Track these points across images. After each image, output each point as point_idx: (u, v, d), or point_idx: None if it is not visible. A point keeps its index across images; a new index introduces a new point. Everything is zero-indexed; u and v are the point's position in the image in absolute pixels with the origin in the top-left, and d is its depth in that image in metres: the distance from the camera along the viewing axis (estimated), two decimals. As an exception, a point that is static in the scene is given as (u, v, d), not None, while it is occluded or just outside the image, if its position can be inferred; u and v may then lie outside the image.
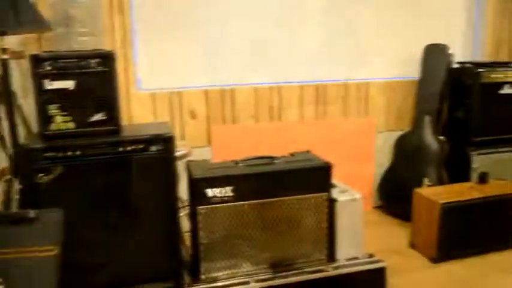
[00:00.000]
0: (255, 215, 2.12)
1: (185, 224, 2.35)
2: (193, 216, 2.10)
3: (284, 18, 3.10)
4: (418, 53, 3.39)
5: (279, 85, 3.14)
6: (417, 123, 3.31)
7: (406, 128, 3.41)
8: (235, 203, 2.08)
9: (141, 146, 2.02)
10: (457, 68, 3.30)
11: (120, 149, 2.00)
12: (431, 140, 3.22)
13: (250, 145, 3.06)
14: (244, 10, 3.01)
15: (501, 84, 3.18)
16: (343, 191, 2.32)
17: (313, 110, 3.25)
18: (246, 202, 2.09)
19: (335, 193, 2.28)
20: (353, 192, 2.33)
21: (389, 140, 3.45)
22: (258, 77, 3.13)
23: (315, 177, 2.16)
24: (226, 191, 2.06)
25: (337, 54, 3.28)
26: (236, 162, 2.19)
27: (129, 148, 2.01)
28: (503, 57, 3.69)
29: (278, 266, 2.20)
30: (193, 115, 3.00)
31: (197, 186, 2.04)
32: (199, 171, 2.09)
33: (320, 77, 3.25)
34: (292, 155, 2.33)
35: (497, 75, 3.16)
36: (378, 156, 3.47)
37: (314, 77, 3.24)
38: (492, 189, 2.86)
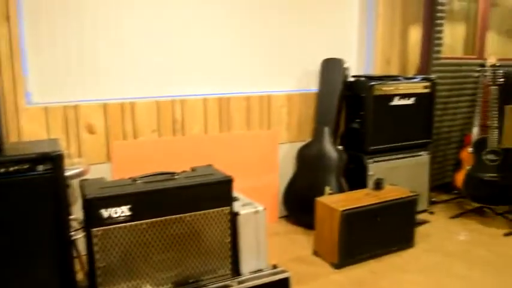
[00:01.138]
0: (155, 233, 2.04)
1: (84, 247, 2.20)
2: (88, 238, 1.96)
3: (186, 29, 3.06)
4: (316, 66, 3.53)
5: (181, 98, 3.08)
6: (317, 133, 3.43)
7: (307, 138, 3.52)
8: (133, 223, 1.99)
9: (26, 166, 1.85)
10: (352, 81, 3.48)
11: (2, 170, 1.82)
12: (330, 149, 3.35)
13: (153, 161, 2.97)
14: (144, 20, 2.92)
15: (392, 96, 3.41)
16: (245, 204, 2.32)
17: (216, 123, 3.24)
18: (145, 221, 2.01)
19: (237, 206, 2.27)
20: (256, 205, 2.34)
21: (291, 150, 3.54)
22: (160, 89, 3.05)
23: (216, 191, 2.14)
24: (123, 211, 1.96)
25: (239, 67, 3.31)
26: (134, 180, 2.10)
27: (12, 169, 1.83)
28: (394, 71, 3.96)
29: (182, 285, 2.14)
30: (90, 130, 2.84)
31: (91, 206, 1.92)
32: (93, 191, 1.97)
33: (223, 90, 3.25)
34: (193, 169, 2.29)
35: (389, 88, 3.38)
36: (282, 167, 3.54)
37: (217, 89, 3.23)
38: (387, 194, 3.03)
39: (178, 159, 3.01)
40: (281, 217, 3.59)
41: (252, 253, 2.30)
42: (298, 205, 3.42)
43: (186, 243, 2.12)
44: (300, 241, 3.20)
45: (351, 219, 2.78)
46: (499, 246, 3.17)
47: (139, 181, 2.08)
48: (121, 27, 2.86)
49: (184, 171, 2.25)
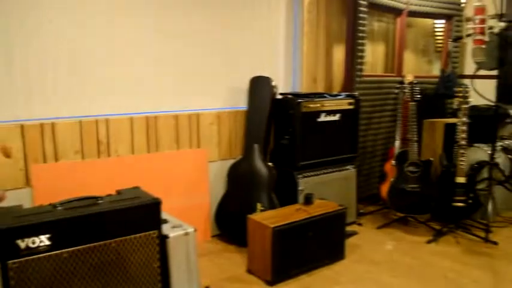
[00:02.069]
0: (78, 263, 1.92)
1: None
2: (3, 272, 1.81)
3: (110, 47, 2.96)
4: (245, 84, 3.56)
5: (106, 117, 2.97)
6: (247, 151, 3.44)
7: (237, 156, 3.52)
8: (53, 252, 1.86)
9: None
10: (280, 99, 3.55)
11: None
12: (261, 166, 3.37)
13: (76, 184, 2.82)
14: (66, 38, 2.79)
15: (319, 113, 3.50)
16: (175, 226, 2.26)
17: (144, 142, 3.15)
18: (66, 250, 1.89)
19: (167, 229, 2.21)
20: (186, 226, 2.28)
21: (222, 168, 3.52)
22: (83, 109, 2.91)
23: (143, 215, 2.06)
24: (42, 240, 1.83)
25: (166, 86, 3.25)
26: (54, 206, 1.98)
27: None
28: (320, 89, 4.08)
29: (109, 315, 2.03)
30: (6, 153, 2.65)
31: (5, 237, 1.78)
32: (8, 220, 1.82)
33: (150, 109, 3.18)
34: (119, 193, 2.20)
35: (315, 105, 3.47)
36: (213, 185, 3.51)
37: (144, 108, 3.15)
38: (317, 209, 3.09)
39: (104, 182, 2.89)
40: (213, 236, 3.54)
41: (183, 277, 2.24)
42: (231, 223, 3.39)
43: (113, 271, 2.02)
44: (234, 259, 3.17)
45: (283, 235, 2.80)
46: (422, 253, 3.32)
47: (59, 207, 1.96)
48: (41, 44, 2.71)
49: (109, 195, 2.15)
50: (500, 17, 3.46)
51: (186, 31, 3.28)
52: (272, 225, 2.76)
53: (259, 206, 3.23)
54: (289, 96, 3.49)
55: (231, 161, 3.49)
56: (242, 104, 3.59)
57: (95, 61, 2.92)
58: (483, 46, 3.10)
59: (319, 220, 2.99)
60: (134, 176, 3.03)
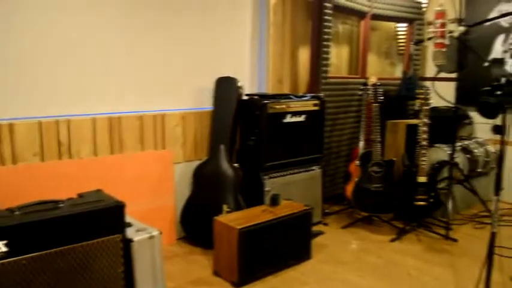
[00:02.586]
0: (37, 270, 1.85)
1: None
2: (-45, 281, 1.73)
3: (72, 46, 2.87)
4: (211, 85, 3.53)
5: (67, 118, 2.88)
6: (213, 152, 3.42)
7: (203, 157, 3.49)
8: (11, 259, 1.79)
9: None
10: (246, 100, 3.54)
11: None
12: (227, 167, 3.35)
13: (36, 188, 2.71)
14: (26, 36, 2.69)
15: (284, 114, 3.52)
16: (139, 230, 2.22)
17: (107, 144, 3.07)
18: (25, 256, 1.82)
19: (131, 233, 2.16)
20: (151, 229, 2.24)
21: (188, 170, 3.48)
22: (43, 109, 2.81)
23: (106, 218, 2.01)
24: (-2, 247, 1.76)
25: (130, 86, 3.18)
26: (11, 211, 1.90)
27: None
28: (286, 90, 4.10)
29: (70, 322, 1.96)
30: (-40, 156, 2.54)
31: (-42, 245, 1.70)
32: (-39, 227, 1.74)
33: (113, 109, 3.10)
34: (80, 196, 2.14)
35: (281, 106, 3.48)
36: (178, 187, 3.46)
37: (107, 108, 3.07)
38: (283, 209, 3.10)
39: (65, 185, 2.79)
40: (179, 238, 3.50)
41: (148, 281, 2.19)
42: (196, 225, 3.36)
43: (75, 277, 1.95)
44: (200, 262, 3.14)
45: (249, 236, 2.79)
46: (386, 251, 3.39)
47: (17, 212, 1.89)
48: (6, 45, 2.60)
49: (70, 199, 2.09)
50: (459, 21, 3.57)
51: (150, 30, 3.22)
52: (238, 227, 2.75)
53: (225, 207, 3.21)
54: (255, 97, 3.49)
55: (197, 162, 3.46)
56: (208, 104, 3.56)
57: (55, 60, 2.82)
58: (443, 49, 3.19)
59: (285, 221, 3.00)
60: (97, 178, 2.95)
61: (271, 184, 3.44)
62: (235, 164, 3.39)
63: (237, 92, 3.48)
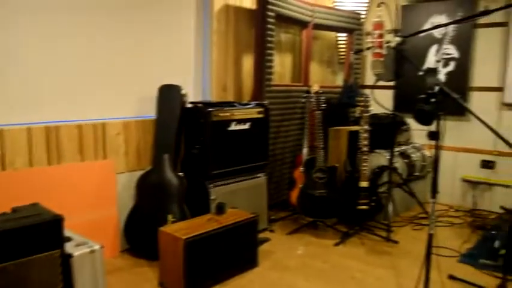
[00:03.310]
0: (-35, 290, 1.73)
1: None
2: None
3: (6, 53, 2.72)
4: (154, 92, 3.46)
5: (0, 128, 2.72)
6: (157, 161, 3.35)
7: (147, 166, 3.41)
8: None
9: None
10: (190, 108, 3.50)
11: None
12: (171, 176, 3.30)
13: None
14: None
15: (229, 122, 3.51)
16: (79, 244, 2.13)
17: (44, 154, 2.93)
18: (-49, 277, 1.69)
19: (70, 247, 2.07)
20: (91, 243, 2.16)
21: (131, 180, 3.39)
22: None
23: (43, 233, 1.91)
24: None
25: (68, 92, 3.06)
26: None
27: None
28: (230, 98, 4.11)
29: None
30: None
31: None
32: None
33: (50, 118, 2.96)
34: (14, 210, 2.02)
35: (225, 114, 3.47)
36: (121, 198, 3.36)
37: (43, 117, 2.93)
38: (229, 218, 3.08)
39: (-2, 199, 2.63)
40: (123, 251, 3.39)
41: (88, 297, 2.11)
42: (141, 236, 3.27)
43: (8, 296, 1.84)
44: (145, 274, 3.05)
45: (195, 246, 2.75)
46: (331, 255, 3.46)
47: None
48: None
49: (3, 213, 1.97)
50: (396, 32, 3.74)
51: (90, 34, 3.12)
52: (184, 237, 2.71)
53: (170, 217, 3.14)
54: (199, 105, 3.46)
55: (140, 172, 3.37)
56: (151, 113, 3.49)
57: (-15, 67, 2.67)
58: (381, 59, 3.33)
59: (231, 229, 2.99)
60: (33, 191, 2.80)
61: (217, 192, 3.41)
62: (180, 173, 3.34)
63: (180, 100, 3.44)
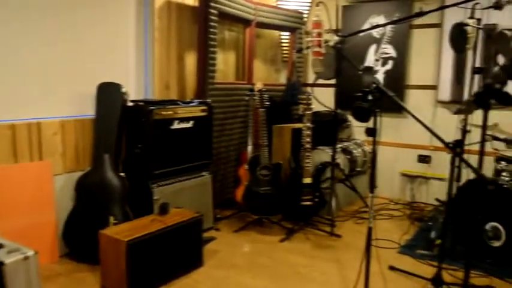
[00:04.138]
0: None
1: None
2: None
3: None
4: (93, 91, 3.34)
5: None
6: (97, 161, 3.24)
7: (86, 167, 3.28)
8: None
9: None
10: (131, 106, 3.41)
11: None
12: (112, 177, 3.20)
13: None
14: None
15: (172, 120, 3.45)
16: (12, 251, 2.01)
17: (-28, 157, 2.76)
18: None
19: (2, 255, 1.95)
20: (25, 250, 2.05)
21: (69, 182, 3.25)
22: None
23: (-31, 241, 1.80)
24: None
25: (0, 91, 2.89)
26: None
27: None
28: (173, 96, 4.04)
29: None
30: None
31: None
32: None
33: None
34: None
35: (167, 112, 3.41)
36: (60, 201, 3.22)
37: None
38: (173, 218, 3.04)
39: None
40: (62, 256, 3.25)
41: (22, 306, 2.00)
42: (81, 240, 3.15)
43: None
44: (86, 279, 2.95)
45: (137, 248, 2.69)
46: (277, 252, 3.49)
47: None
48: None
49: None
50: (336, 31, 3.83)
51: (23, 30, 2.96)
52: (126, 239, 2.64)
53: (111, 219, 3.05)
54: (141, 103, 3.38)
55: (79, 173, 3.24)
56: (90, 111, 3.36)
57: None
58: (320, 58, 3.39)
59: (175, 229, 2.95)
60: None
61: (160, 192, 3.35)
62: (121, 174, 3.25)
63: (121, 98, 3.34)
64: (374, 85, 2.14)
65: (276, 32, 5.29)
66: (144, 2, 3.76)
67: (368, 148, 4.91)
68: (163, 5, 3.89)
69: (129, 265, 2.65)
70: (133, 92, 3.67)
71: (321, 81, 3.84)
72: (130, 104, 3.43)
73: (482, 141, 2.33)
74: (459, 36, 3.11)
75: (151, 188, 3.30)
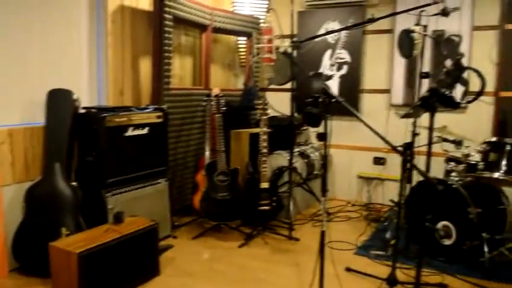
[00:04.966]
0: None
1: None
2: None
3: None
4: (43, 98, 3.23)
5: None
6: (47, 171, 3.13)
7: (37, 177, 3.17)
8: None
9: None
10: (83, 113, 3.32)
11: None
12: (63, 187, 3.10)
13: None
14: None
15: (126, 127, 3.38)
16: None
17: None
18: None
19: None
20: (-34, 265, 1.95)
21: (19, 193, 3.13)
22: None
23: None
24: None
25: None
26: None
27: None
28: (128, 102, 3.97)
29: None
30: None
31: None
32: None
33: None
34: None
35: (121, 119, 3.34)
36: (8, 213, 3.09)
37: None
38: (127, 227, 2.97)
39: None
40: (12, 270, 3.12)
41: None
42: (32, 253, 3.04)
43: None
44: (37, 293, 2.85)
45: (90, 260, 2.62)
46: (235, 258, 3.48)
47: None
48: None
49: None
50: (291, 37, 3.86)
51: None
52: (77, 251, 2.56)
53: (64, 230, 2.95)
54: (93, 110, 3.29)
55: (29, 184, 3.13)
56: (40, 119, 3.25)
57: None
58: (271, 64, 3.42)
59: (130, 239, 2.88)
60: None
61: (115, 201, 3.28)
62: (73, 183, 3.16)
63: (72, 105, 3.25)
64: (323, 90, 2.18)
65: (233, 37, 5.30)
66: (97, 6, 3.68)
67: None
68: (116, 9, 3.83)
69: (82, 278, 2.58)
70: (85, 98, 3.58)
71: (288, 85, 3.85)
72: (82, 111, 3.34)
73: (430, 143, 2.41)
74: (406, 42, 3.21)
75: (105, 197, 3.22)
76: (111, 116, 3.27)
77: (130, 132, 3.41)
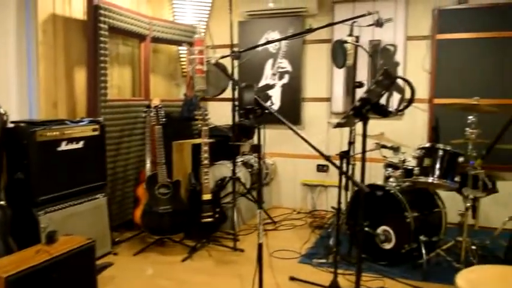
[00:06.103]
0: None
1: None
2: None
3: None
4: (-34, 112, 3.04)
5: None
6: (-29, 191, 2.94)
7: (-40, 198, 2.97)
8: None
9: None
10: (11, 128, 3.14)
11: None
12: (-10, 207, 2.92)
13: None
14: None
15: (59, 142, 3.23)
16: None
17: None
18: None
19: None
20: None
21: None
22: None
23: None
24: None
25: None
26: None
27: None
28: (62, 115, 3.80)
29: None
30: None
31: None
32: None
33: None
34: None
35: (53, 133, 3.18)
36: None
37: None
38: (61, 247, 2.81)
39: None
40: None
41: None
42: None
43: None
44: (-40, 323, 2.64)
45: (18, 284, 2.45)
46: (178, 272, 3.40)
47: None
48: None
49: None
50: (231, 47, 3.85)
51: None
52: (4, 275, 2.39)
53: (-11, 253, 2.77)
54: (22, 124, 3.12)
55: (-49, 205, 2.92)
56: (-37, 135, 3.05)
57: None
58: (203, 75, 3.37)
59: (63, 259, 2.72)
60: None
61: (49, 220, 3.11)
62: (2, 202, 2.97)
63: (-1, 119, 3.07)
64: (256, 101, 2.17)
65: (175, 47, 5.22)
66: (26, 15, 3.51)
67: (270, 161, 5.00)
68: (47, 18, 3.67)
69: (9, 303, 2.42)
70: (15, 112, 3.39)
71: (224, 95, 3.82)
72: (10, 125, 3.16)
73: (363, 151, 2.46)
74: (339, 53, 3.28)
75: (36, 216, 3.05)
76: (42, 130, 3.11)
77: (63, 147, 3.26)
